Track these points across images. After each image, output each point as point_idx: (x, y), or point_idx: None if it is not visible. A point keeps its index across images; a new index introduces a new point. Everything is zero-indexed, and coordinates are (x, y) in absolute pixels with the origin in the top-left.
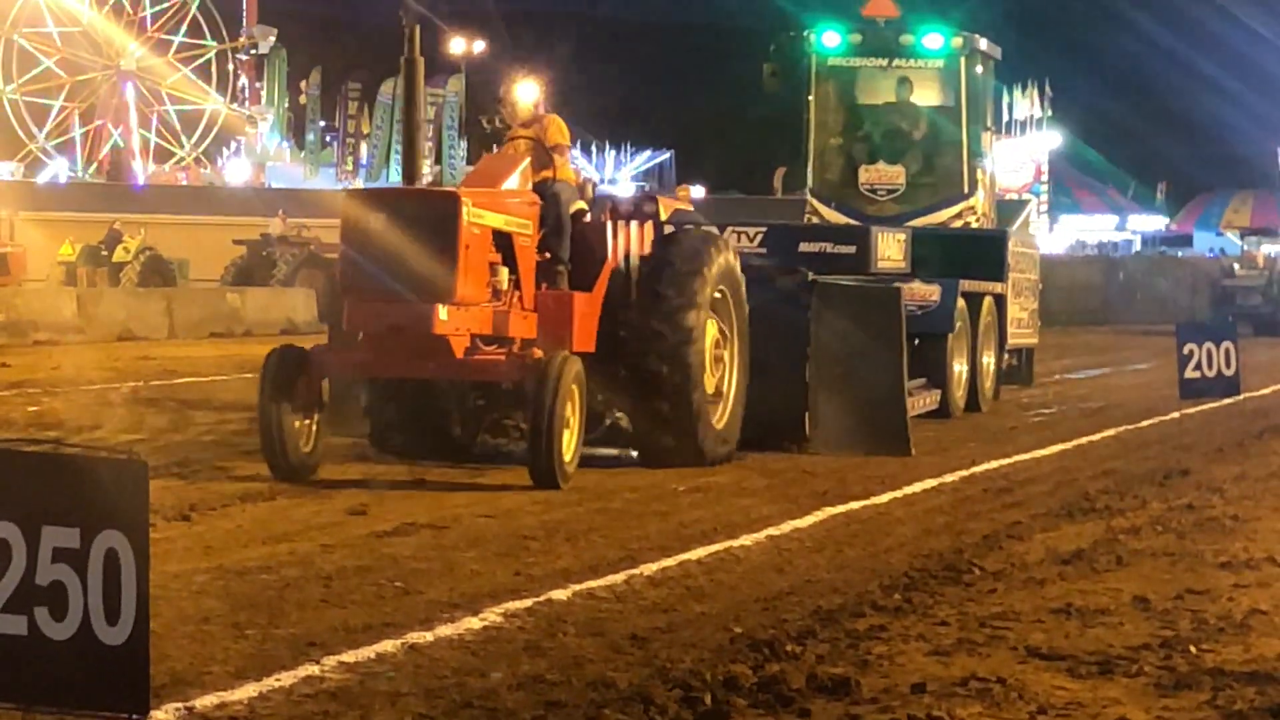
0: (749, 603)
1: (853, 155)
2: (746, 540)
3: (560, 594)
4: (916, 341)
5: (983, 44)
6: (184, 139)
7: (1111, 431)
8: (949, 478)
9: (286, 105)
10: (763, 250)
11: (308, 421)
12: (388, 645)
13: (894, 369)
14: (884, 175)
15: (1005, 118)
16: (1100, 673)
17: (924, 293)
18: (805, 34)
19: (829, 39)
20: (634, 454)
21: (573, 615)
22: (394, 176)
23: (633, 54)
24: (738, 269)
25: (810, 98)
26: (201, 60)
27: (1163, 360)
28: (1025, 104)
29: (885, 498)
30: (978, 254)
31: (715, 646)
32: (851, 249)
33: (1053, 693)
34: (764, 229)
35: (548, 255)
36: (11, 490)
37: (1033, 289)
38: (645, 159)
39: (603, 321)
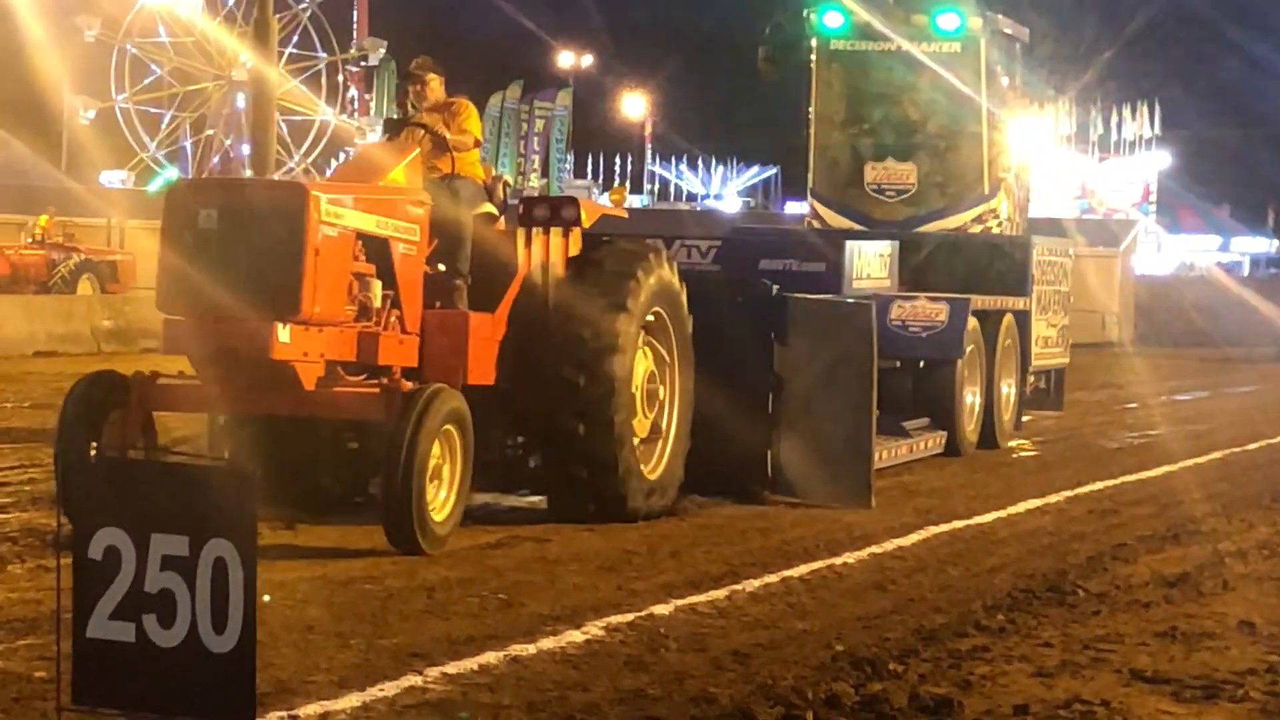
0: (851, 620)
1: (858, 151)
2: (849, 558)
3: (662, 609)
4: (921, 367)
5: (1006, 25)
6: (294, 149)
7: (1218, 454)
8: (1053, 498)
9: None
10: (716, 267)
11: None
12: (490, 657)
13: (861, 403)
14: (893, 174)
15: (1114, 137)
16: (1205, 697)
17: (929, 312)
18: (805, 14)
19: (831, 19)
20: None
21: (675, 630)
22: None
23: (740, 67)
24: (676, 285)
25: (811, 86)
26: (312, 71)
27: (1269, 383)
28: (1135, 124)
29: (989, 517)
30: (997, 264)
31: (817, 664)
32: (820, 266)
33: (1157, 717)
34: (717, 242)
35: (441, 268)
36: (122, 498)
37: (1063, 302)
38: (752, 175)
39: (511, 348)
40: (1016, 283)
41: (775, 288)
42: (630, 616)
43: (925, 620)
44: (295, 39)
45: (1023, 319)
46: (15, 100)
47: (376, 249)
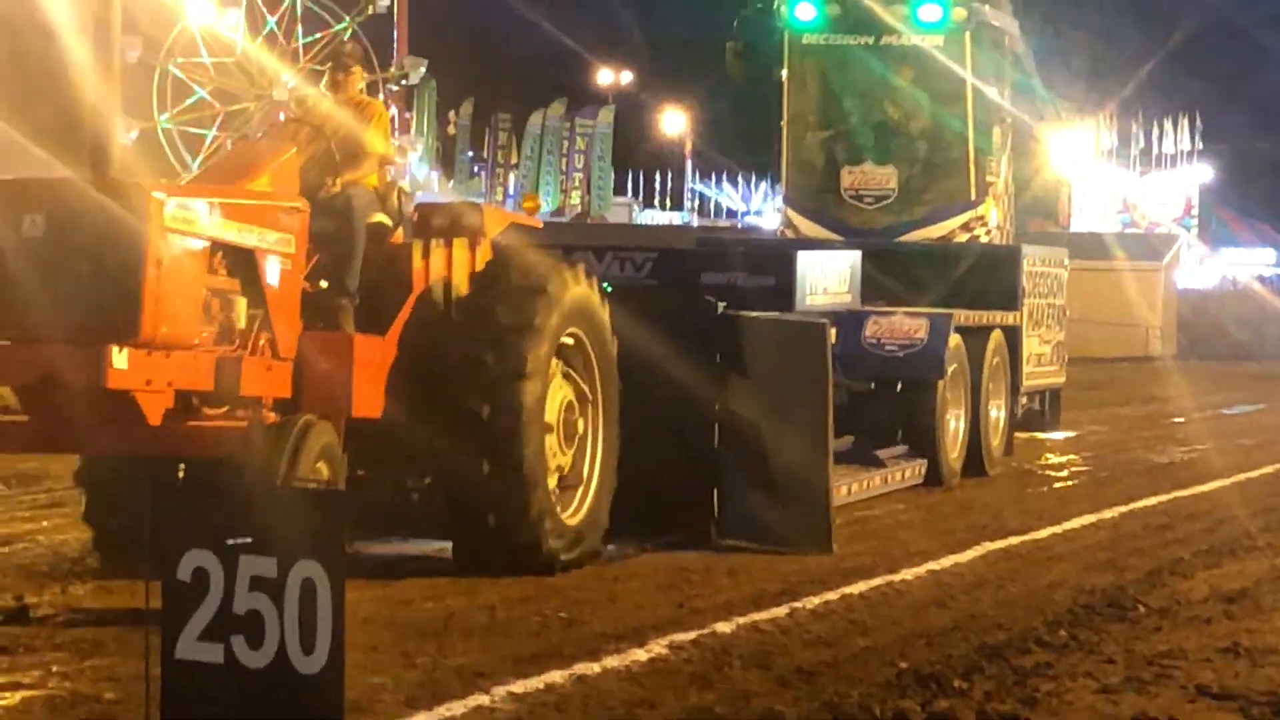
0: (913, 638)
1: (834, 154)
2: (907, 575)
3: (725, 626)
4: (899, 389)
5: (995, 17)
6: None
7: (1270, 468)
8: (1108, 513)
9: (436, 136)
10: (654, 281)
11: None
12: (556, 676)
13: (816, 433)
14: (871, 178)
15: (1155, 150)
16: (1273, 713)
17: (907, 328)
18: (775, 6)
19: (803, 12)
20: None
21: (738, 648)
22: (544, 209)
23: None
24: (597, 304)
25: (782, 84)
26: None
27: None
28: (1176, 138)
29: (1044, 533)
30: (984, 276)
31: (882, 681)
32: (769, 280)
33: None
34: (654, 254)
35: (325, 284)
36: (211, 520)
37: (1057, 316)
38: None
39: (404, 376)
40: (1005, 296)
41: (720, 305)
42: (693, 634)
43: (987, 637)
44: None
45: (1012, 335)
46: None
47: (241, 262)
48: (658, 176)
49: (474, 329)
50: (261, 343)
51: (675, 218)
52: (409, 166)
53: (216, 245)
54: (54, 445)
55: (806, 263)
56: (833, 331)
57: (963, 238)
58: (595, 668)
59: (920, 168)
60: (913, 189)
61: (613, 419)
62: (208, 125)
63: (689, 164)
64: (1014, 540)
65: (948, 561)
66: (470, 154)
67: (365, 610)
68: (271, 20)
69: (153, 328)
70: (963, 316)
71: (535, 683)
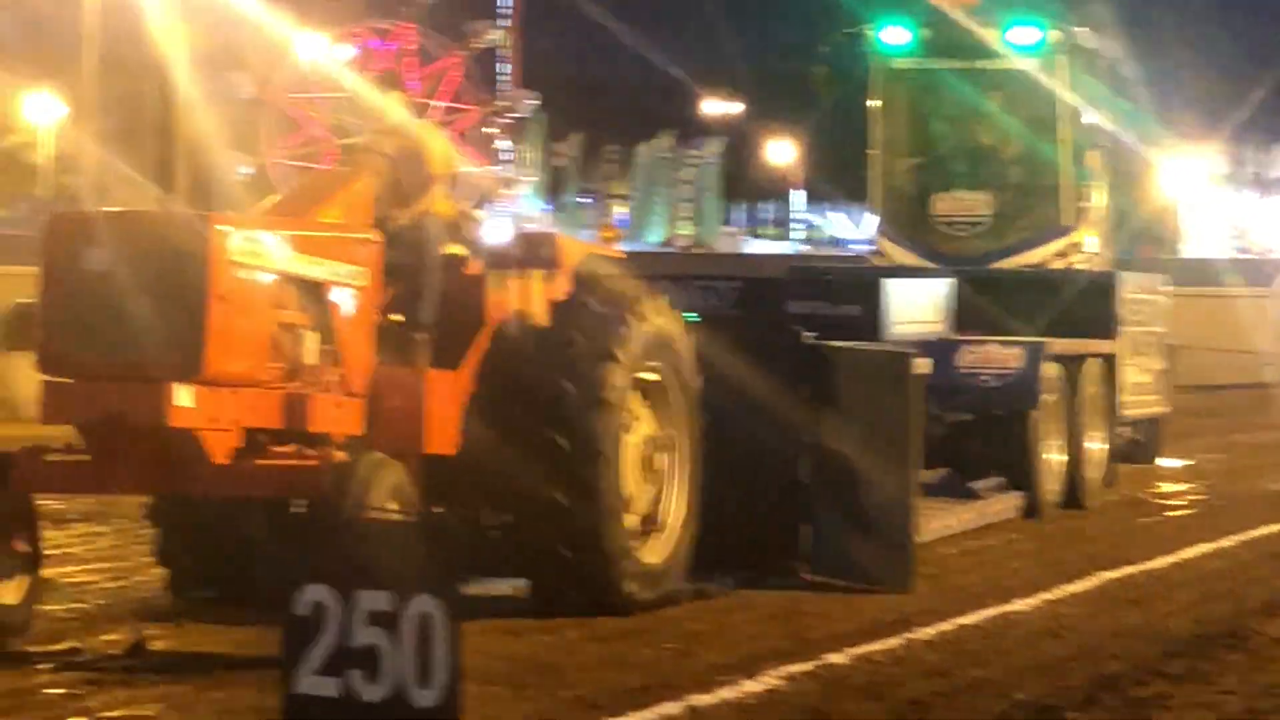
0: (1027, 668)
1: (925, 180)
2: (1020, 604)
3: (837, 657)
4: (993, 420)
5: (1090, 39)
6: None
7: None
8: (1225, 542)
9: (544, 168)
10: (738, 311)
11: (10, 560)
12: (670, 708)
13: (901, 467)
14: (963, 205)
15: (1269, 175)
16: None
17: (1000, 357)
18: (864, 30)
19: (893, 35)
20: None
21: (851, 678)
22: (653, 239)
23: None
24: (679, 337)
25: (873, 109)
26: (462, 124)
27: None
28: None
29: (1160, 562)
30: (1080, 304)
31: (997, 713)
32: (855, 309)
33: None
34: (738, 283)
35: (399, 318)
36: (328, 555)
37: (1158, 345)
38: None
39: (478, 411)
40: (1102, 324)
41: (808, 335)
42: (807, 665)
43: (1103, 667)
44: (447, 91)
45: (1110, 364)
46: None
47: (312, 295)
48: (766, 206)
49: (552, 358)
50: (332, 379)
51: (784, 247)
52: (518, 199)
53: (285, 278)
54: (118, 486)
55: (894, 291)
56: (926, 361)
57: (1058, 264)
58: (708, 699)
59: (1014, 193)
60: (1006, 215)
61: (695, 457)
62: (318, 160)
63: (798, 193)
64: (1129, 569)
65: (1062, 591)
66: (579, 186)
67: (477, 643)
68: (383, 54)
69: (217, 364)
70: (1058, 345)
71: (648, 714)
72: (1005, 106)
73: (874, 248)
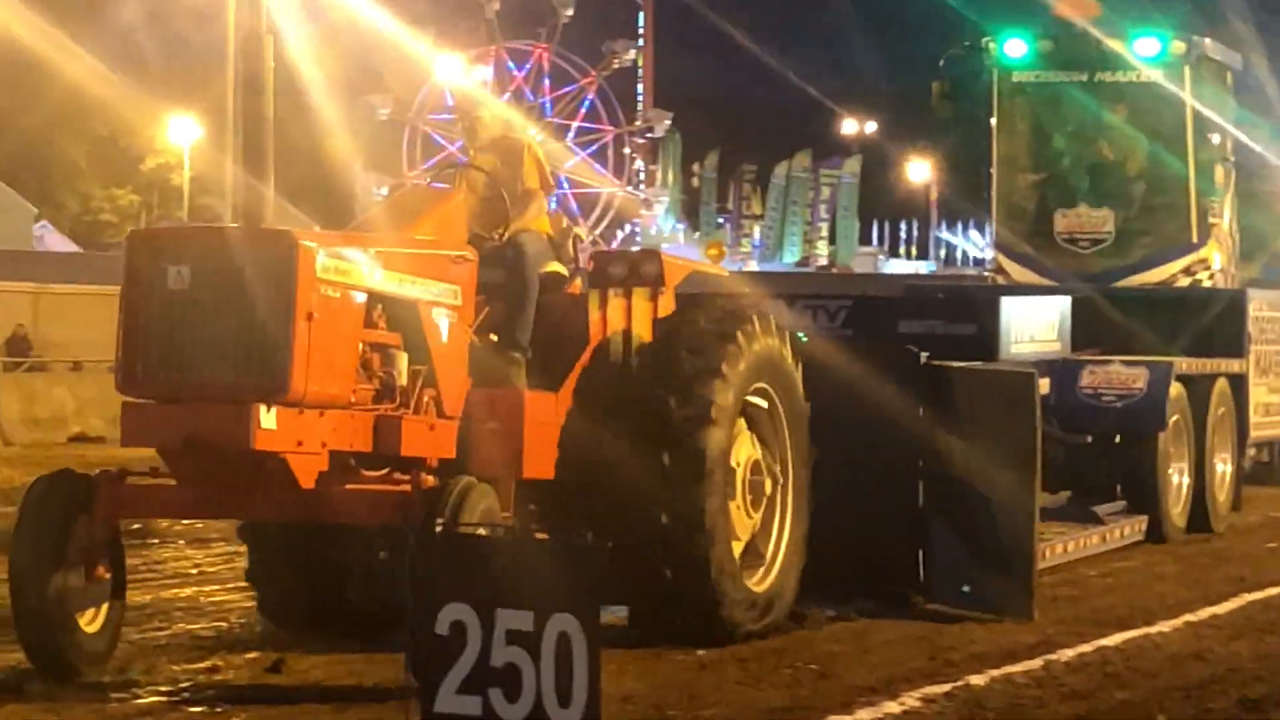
0: (1171, 690)
1: (1046, 196)
2: (1164, 626)
3: (978, 679)
4: (1117, 442)
5: (1215, 50)
6: (581, 221)
7: None
8: None
9: (680, 188)
10: (848, 331)
11: (94, 586)
12: None
13: (1022, 491)
14: (1086, 221)
15: None
16: None
17: (1125, 378)
18: (983, 43)
19: (1013, 48)
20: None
21: (992, 701)
22: (789, 259)
23: None
24: (787, 359)
25: (992, 124)
26: (598, 145)
27: None
28: None
29: None
30: (1208, 323)
31: None
32: (970, 328)
33: None
34: (848, 303)
35: (495, 338)
36: (468, 574)
37: None
38: None
39: (578, 435)
40: (1230, 342)
41: (923, 355)
42: (946, 687)
43: (1248, 690)
44: (582, 112)
45: (1238, 384)
46: (309, 180)
47: (403, 315)
48: (903, 225)
49: (657, 373)
50: (425, 400)
51: (921, 266)
52: (654, 219)
53: (375, 297)
54: (202, 511)
55: (1011, 309)
56: (1045, 382)
57: (1184, 282)
58: None
59: (1138, 209)
60: (1130, 232)
61: (803, 484)
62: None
63: (934, 212)
64: (1274, 591)
65: (1205, 613)
66: (715, 205)
67: (618, 662)
68: (519, 77)
69: (303, 385)
70: (1184, 365)
71: None
72: (1129, 120)
73: (993, 266)
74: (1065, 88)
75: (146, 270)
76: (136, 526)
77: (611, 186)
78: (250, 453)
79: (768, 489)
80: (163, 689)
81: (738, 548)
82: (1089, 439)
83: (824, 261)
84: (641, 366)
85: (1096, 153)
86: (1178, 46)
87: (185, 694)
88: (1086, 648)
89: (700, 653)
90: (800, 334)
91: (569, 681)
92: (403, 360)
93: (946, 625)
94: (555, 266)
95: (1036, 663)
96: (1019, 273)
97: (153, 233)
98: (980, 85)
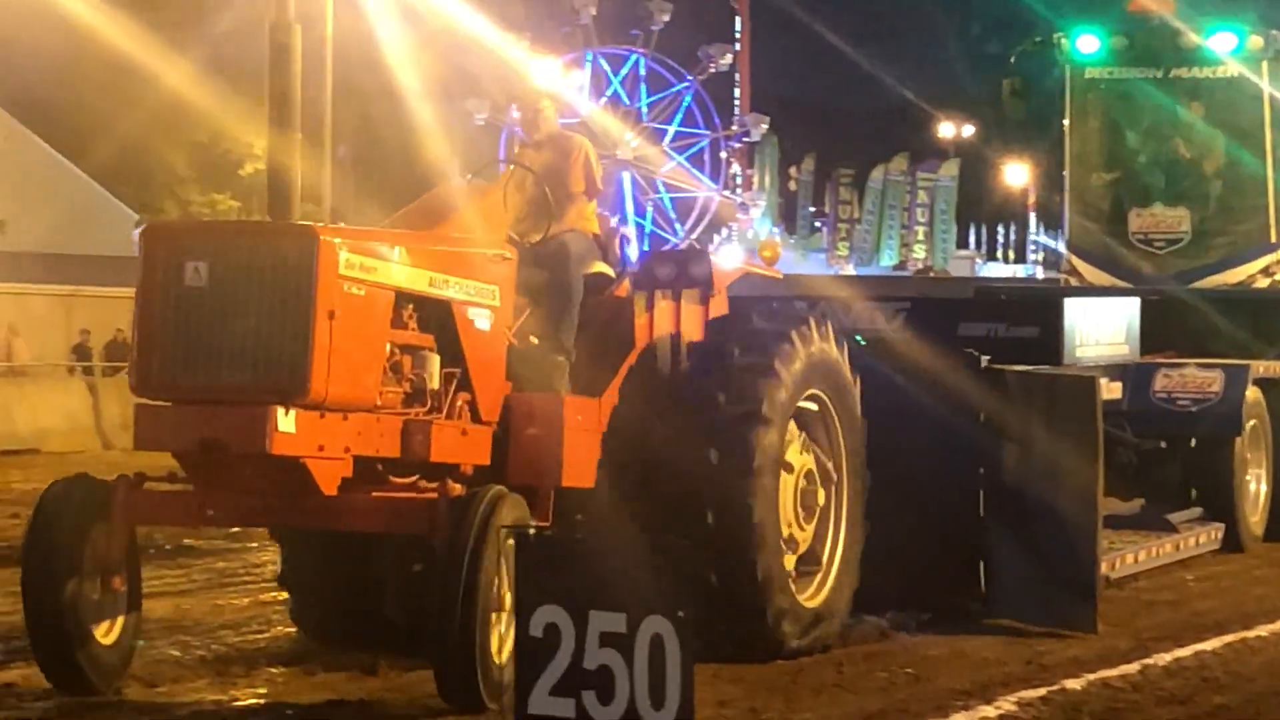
0: (1270, 696)
1: (1120, 196)
2: (1262, 630)
3: (1074, 683)
4: (1192, 447)
5: None
6: (678, 226)
7: None
8: None
9: (777, 192)
10: (906, 334)
11: (110, 597)
12: None
13: (1084, 499)
14: (1162, 221)
15: None
16: None
17: (1200, 381)
18: (1055, 39)
19: (1086, 44)
20: None
21: (1088, 705)
22: (886, 262)
23: None
24: (844, 367)
25: (1064, 122)
26: (695, 149)
27: None
28: None
29: None
30: None
31: None
32: (1032, 330)
33: None
34: (906, 305)
35: (536, 340)
36: (561, 577)
37: None
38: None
39: (620, 442)
40: None
41: (984, 358)
42: (1042, 691)
43: None
44: (678, 118)
45: None
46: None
47: (435, 315)
48: (1000, 229)
49: (706, 369)
50: (459, 405)
51: (1019, 270)
52: (751, 223)
53: (405, 296)
54: (221, 518)
55: (1076, 311)
56: (1118, 386)
57: (1263, 283)
58: None
59: (1215, 208)
60: (1207, 231)
61: (859, 496)
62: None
63: (1031, 216)
64: None
65: None
66: (812, 209)
67: (714, 667)
68: (615, 81)
69: (324, 387)
70: (1262, 368)
71: None
72: (1206, 117)
73: (1066, 267)
74: (1139, 84)
75: (163, 266)
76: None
77: (708, 191)
78: (268, 457)
79: (820, 499)
80: (259, 691)
81: (790, 561)
82: (1163, 444)
83: (921, 265)
84: (691, 362)
85: (1172, 150)
86: (1255, 41)
87: (284, 696)
88: (1184, 652)
89: (798, 657)
90: (858, 337)
91: (662, 683)
92: (434, 362)
93: (1042, 629)
94: (601, 267)
95: (1133, 667)
96: (1092, 273)
97: (169, 227)
98: (1052, 82)
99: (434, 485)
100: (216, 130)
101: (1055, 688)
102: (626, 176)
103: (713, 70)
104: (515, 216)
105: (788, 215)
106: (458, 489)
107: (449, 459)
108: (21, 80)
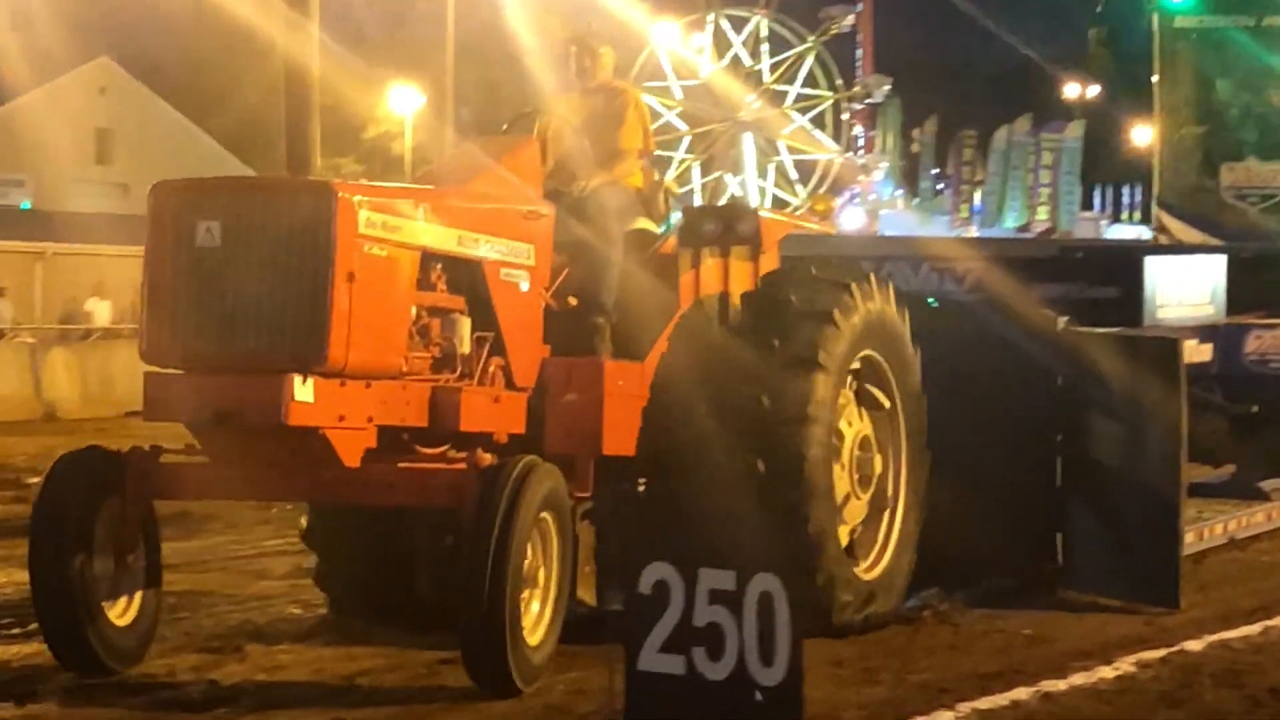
0: None
1: (1212, 150)
2: None
3: (1194, 644)
4: None
5: None
6: (799, 188)
7: None
8: None
9: (900, 154)
10: (977, 295)
11: (125, 575)
12: (1021, 693)
13: (1167, 468)
14: (1255, 175)
15: None
16: None
17: None
18: None
19: None
20: None
21: (1208, 666)
22: (1009, 225)
23: None
24: (901, 328)
25: (1154, 74)
26: (817, 110)
27: None
28: None
29: None
30: None
31: None
32: (1112, 290)
33: None
34: (975, 264)
35: (574, 301)
36: (670, 533)
37: None
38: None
39: (667, 402)
40: None
41: (1062, 320)
42: (1161, 652)
43: None
44: (800, 79)
45: None
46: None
47: (466, 276)
48: (1125, 191)
49: (759, 317)
50: (491, 370)
51: (1144, 231)
52: (873, 185)
53: (432, 256)
54: (239, 491)
55: (1157, 270)
56: (1208, 348)
57: None
58: (1061, 685)
59: None
60: None
61: (920, 463)
62: (674, 148)
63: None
64: None
65: None
66: (935, 171)
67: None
68: (737, 43)
69: (343, 353)
70: None
71: (1000, 699)
72: None
73: (1155, 224)
74: (1231, 33)
75: (173, 226)
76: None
77: (830, 153)
78: (284, 428)
79: (877, 467)
80: (389, 648)
81: (844, 531)
82: (1255, 409)
83: (1045, 227)
84: (743, 315)
85: (1266, 103)
86: None
87: (419, 655)
88: None
89: (914, 618)
90: (930, 299)
91: (771, 641)
92: (464, 326)
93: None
94: (644, 224)
95: (1255, 628)
96: (1181, 230)
97: (180, 184)
98: (1141, 33)
99: (464, 455)
100: (338, 94)
101: (1174, 649)
102: (748, 139)
103: (835, 31)
104: (553, 168)
105: (910, 177)
106: (487, 458)
107: (480, 428)
108: (148, 46)
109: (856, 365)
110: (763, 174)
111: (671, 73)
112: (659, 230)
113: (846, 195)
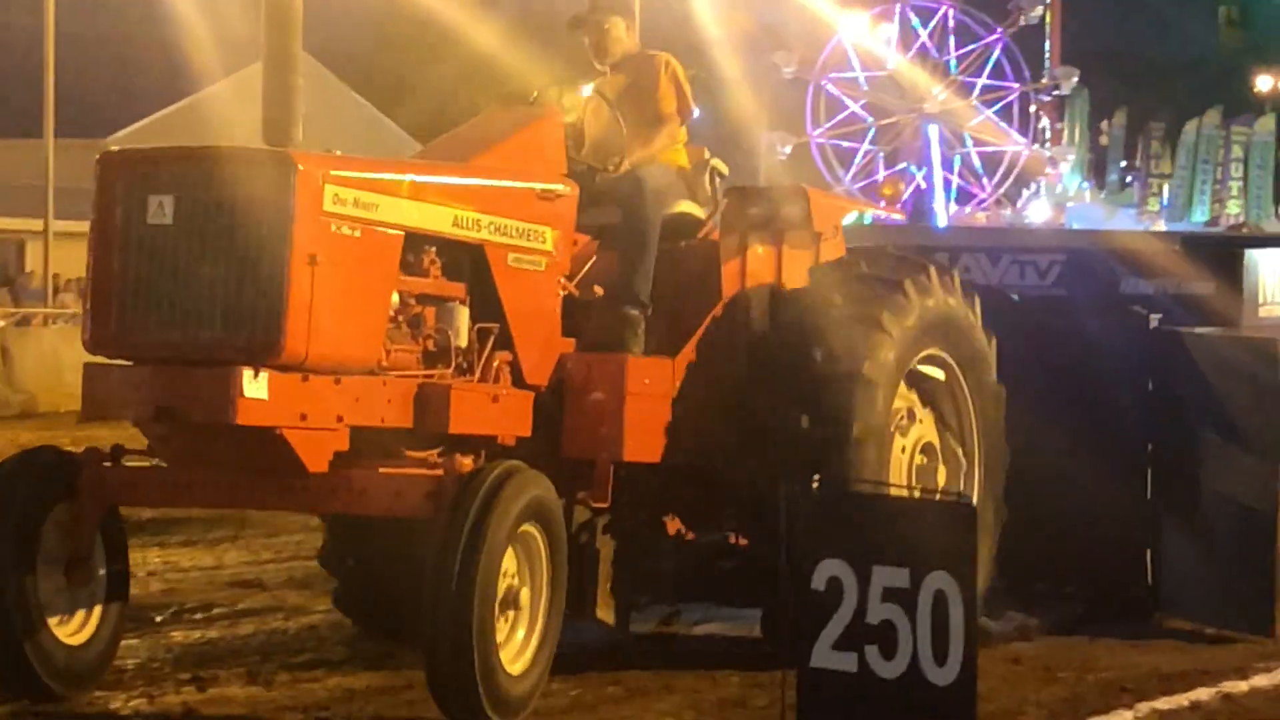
0: None
1: None
2: None
3: None
4: None
5: None
6: (984, 180)
7: None
8: None
9: (1087, 146)
10: (1061, 290)
11: (78, 589)
12: (1202, 693)
13: (1263, 485)
14: None
15: None
16: None
17: None
18: None
19: None
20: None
21: None
22: (1198, 218)
23: None
24: (970, 319)
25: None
26: (1003, 103)
27: None
28: None
29: None
30: None
31: None
32: (1208, 287)
33: None
34: (1060, 257)
35: (600, 290)
36: (844, 530)
37: None
38: None
39: (698, 409)
40: None
41: (1154, 318)
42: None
43: None
44: (987, 71)
45: None
46: (714, 137)
47: (466, 260)
48: None
49: (802, 323)
50: (496, 366)
51: None
52: (1060, 178)
53: (421, 237)
54: (200, 498)
55: (1261, 263)
56: None
57: None
58: (1243, 686)
59: None
60: None
61: (992, 474)
62: (859, 140)
63: None
64: None
65: None
66: (1123, 164)
67: (1014, 627)
68: (924, 34)
69: (302, 345)
70: None
71: (1180, 699)
72: None
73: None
74: None
75: (122, 201)
76: None
77: (1016, 145)
78: (235, 428)
79: (941, 478)
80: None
81: None
82: None
83: (1235, 220)
84: (784, 320)
85: None
86: None
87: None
88: None
89: (1091, 617)
90: (1014, 296)
91: (945, 640)
92: (462, 316)
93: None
94: (686, 206)
95: None
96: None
97: (130, 154)
98: (1274, 9)
99: (435, 462)
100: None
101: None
102: (934, 130)
103: (1023, 22)
104: (590, 149)
105: (1098, 170)
106: (467, 464)
107: (474, 429)
108: (338, 36)
109: (919, 367)
110: (949, 166)
111: (857, 63)
112: (703, 214)
113: (1032, 187)
